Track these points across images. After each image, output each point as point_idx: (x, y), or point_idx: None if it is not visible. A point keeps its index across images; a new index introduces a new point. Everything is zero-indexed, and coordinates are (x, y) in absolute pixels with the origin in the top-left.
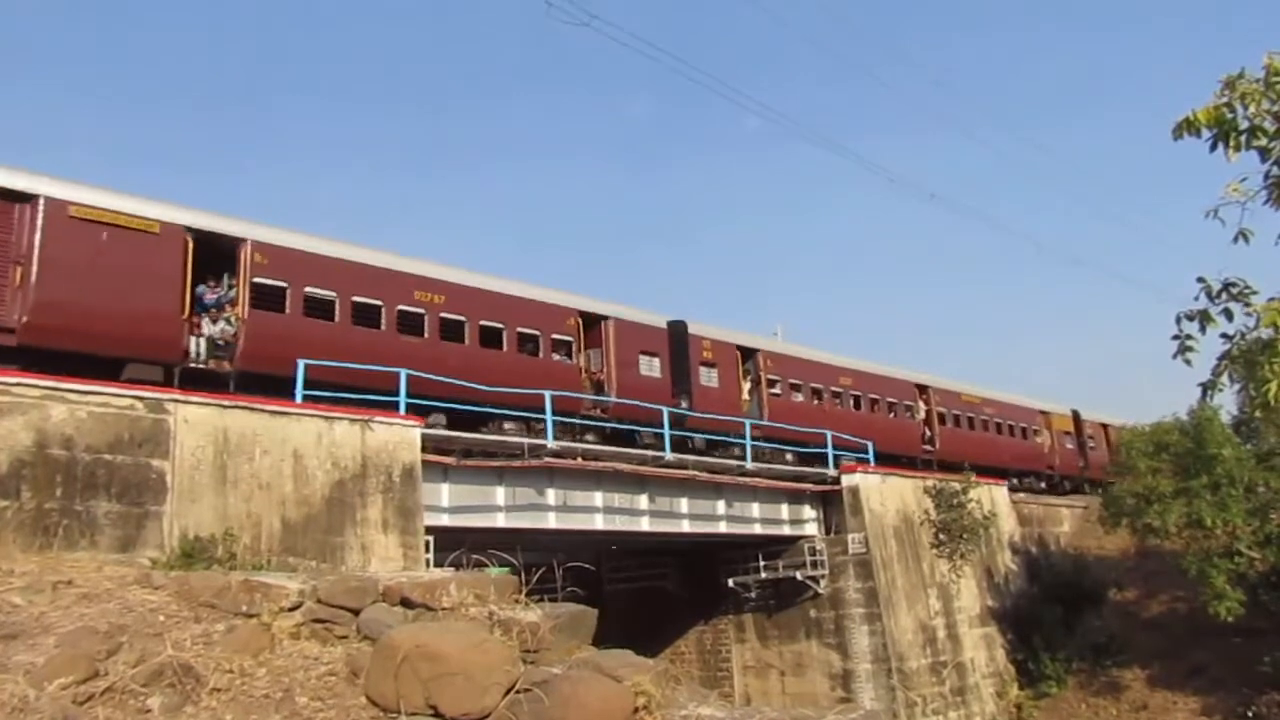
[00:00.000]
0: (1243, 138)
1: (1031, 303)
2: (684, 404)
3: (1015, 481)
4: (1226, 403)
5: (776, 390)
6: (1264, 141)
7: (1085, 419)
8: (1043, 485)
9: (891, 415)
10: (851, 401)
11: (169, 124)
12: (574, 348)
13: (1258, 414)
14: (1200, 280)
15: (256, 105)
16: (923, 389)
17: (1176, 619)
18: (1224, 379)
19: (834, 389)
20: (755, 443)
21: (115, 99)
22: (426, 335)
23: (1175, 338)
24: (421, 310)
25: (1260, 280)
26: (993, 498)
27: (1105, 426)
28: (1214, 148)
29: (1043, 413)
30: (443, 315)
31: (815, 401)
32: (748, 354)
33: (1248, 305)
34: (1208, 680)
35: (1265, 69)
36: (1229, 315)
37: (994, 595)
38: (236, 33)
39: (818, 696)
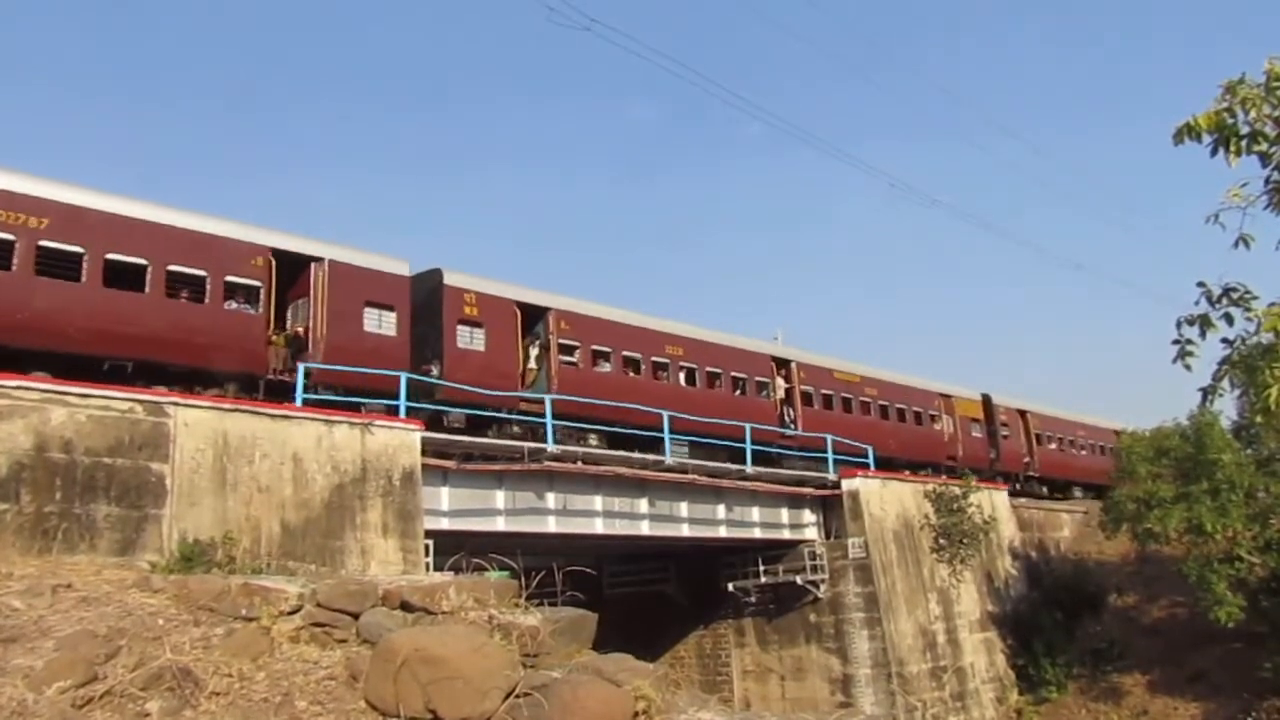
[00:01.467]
0: (1243, 143)
1: (1033, 307)
2: (434, 371)
3: (908, 473)
4: (1227, 408)
5: (573, 359)
6: (1265, 147)
7: (999, 405)
8: (942, 478)
9: (738, 393)
10: (682, 375)
11: (169, 126)
12: (262, 295)
13: (1258, 419)
14: (1201, 285)
15: (258, 108)
16: (783, 363)
17: (1177, 624)
18: (1224, 384)
19: (657, 359)
20: (527, 418)
21: (115, 101)
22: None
23: (1175, 342)
24: None
25: (1261, 285)
26: (993, 502)
27: (1023, 414)
28: (1215, 153)
29: (944, 396)
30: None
31: (630, 374)
32: (535, 314)
33: (1248, 310)
34: (1208, 686)
35: (1266, 74)
36: (1229, 320)
37: (994, 600)
38: (238, 37)
39: (818, 701)
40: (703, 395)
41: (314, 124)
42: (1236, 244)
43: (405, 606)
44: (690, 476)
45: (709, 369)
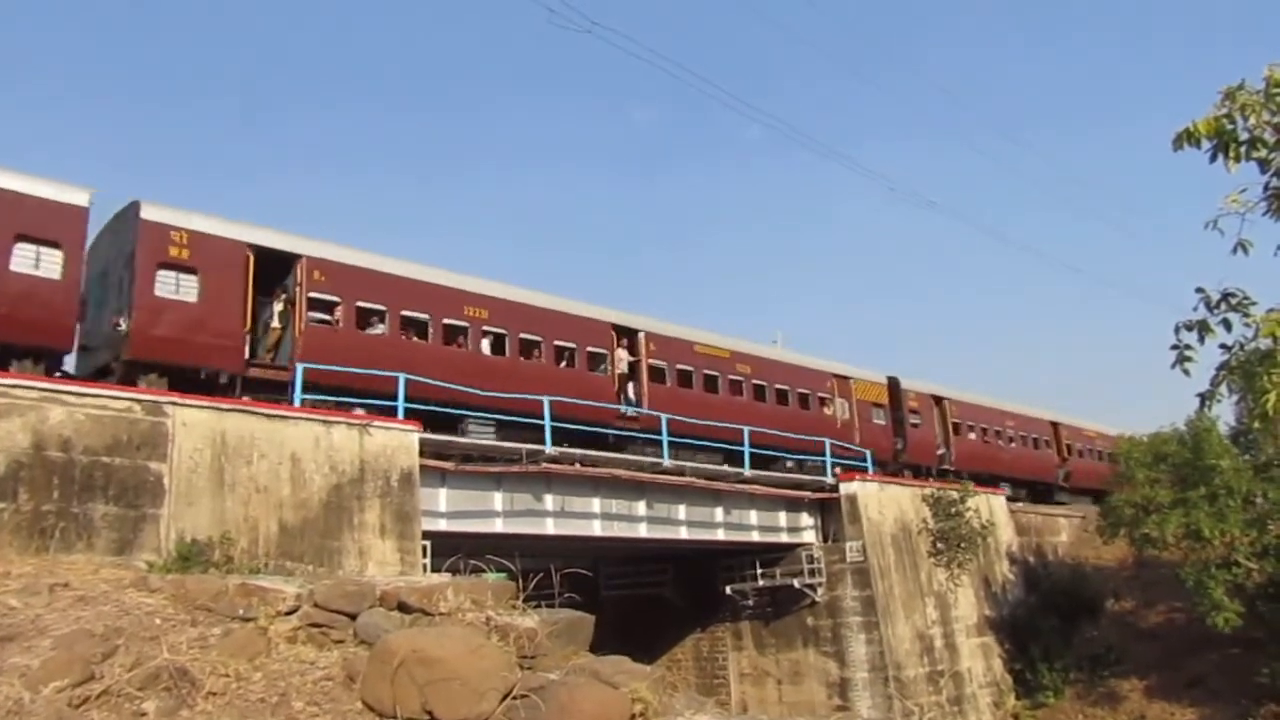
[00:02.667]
0: (1243, 149)
1: (1031, 310)
2: (122, 325)
3: (791, 463)
4: (1224, 413)
5: (330, 317)
6: (1264, 153)
7: (908, 389)
8: (836, 470)
9: (563, 365)
10: (487, 343)
11: (169, 129)
12: None
13: (1256, 425)
14: (1199, 291)
15: (260, 107)
16: (625, 333)
17: (1174, 629)
18: (1222, 389)
19: (452, 322)
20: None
21: (114, 104)
22: None
23: (1174, 348)
24: None
25: (1259, 291)
26: (990, 506)
27: (939, 400)
28: (1214, 159)
29: (839, 377)
30: None
31: (414, 338)
32: (280, 262)
33: (1247, 316)
34: (1205, 691)
35: (1265, 80)
36: (1228, 326)
37: (991, 604)
38: (239, 39)
39: (815, 705)
40: (512, 366)
41: (315, 123)
42: (1235, 249)
43: (403, 607)
44: (688, 479)
45: (524, 336)
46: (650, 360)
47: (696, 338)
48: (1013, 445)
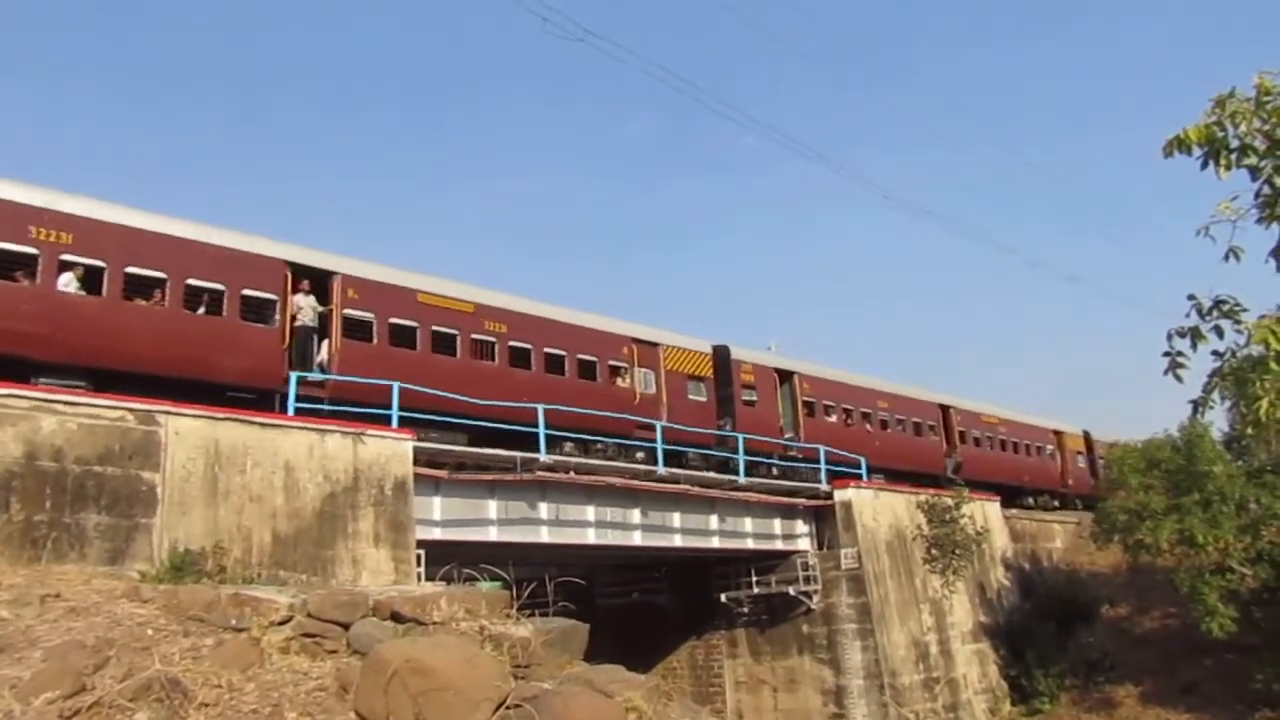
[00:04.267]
0: (1233, 156)
1: (1025, 317)
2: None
3: (570, 445)
4: (1218, 420)
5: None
6: (1254, 160)
7: (742, 360)
8: (639, 455)
9: (200, 310)
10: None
11: (168, 132)
12: None
13: (1249, 431)
14: (1191, 298)
15: (260, 116)
16: (311, 274)
17: (1169, 635)
18: (1214, 396)
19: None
20: None
21: (113, 107)
22: None
23: (1166, 354)
24: None
25: (1251, 298)
26: (985, 513)
27: (785, 375)
28: (1205, 166)
29: (641, 343)
30: None
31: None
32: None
33: (1238, 323)
34: (1200, 697)
35: (1256, 88)
36: (1220, 332)
37: (987, 611)
38: (239, 43)
39: (810, 712)
40: (106, 307)
41: (317, 132)
42: (1227, 257)
43: (396, 617)
44: (683, 487)
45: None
46: (349, 310)
47: (421, 284)
48: (886, 430)
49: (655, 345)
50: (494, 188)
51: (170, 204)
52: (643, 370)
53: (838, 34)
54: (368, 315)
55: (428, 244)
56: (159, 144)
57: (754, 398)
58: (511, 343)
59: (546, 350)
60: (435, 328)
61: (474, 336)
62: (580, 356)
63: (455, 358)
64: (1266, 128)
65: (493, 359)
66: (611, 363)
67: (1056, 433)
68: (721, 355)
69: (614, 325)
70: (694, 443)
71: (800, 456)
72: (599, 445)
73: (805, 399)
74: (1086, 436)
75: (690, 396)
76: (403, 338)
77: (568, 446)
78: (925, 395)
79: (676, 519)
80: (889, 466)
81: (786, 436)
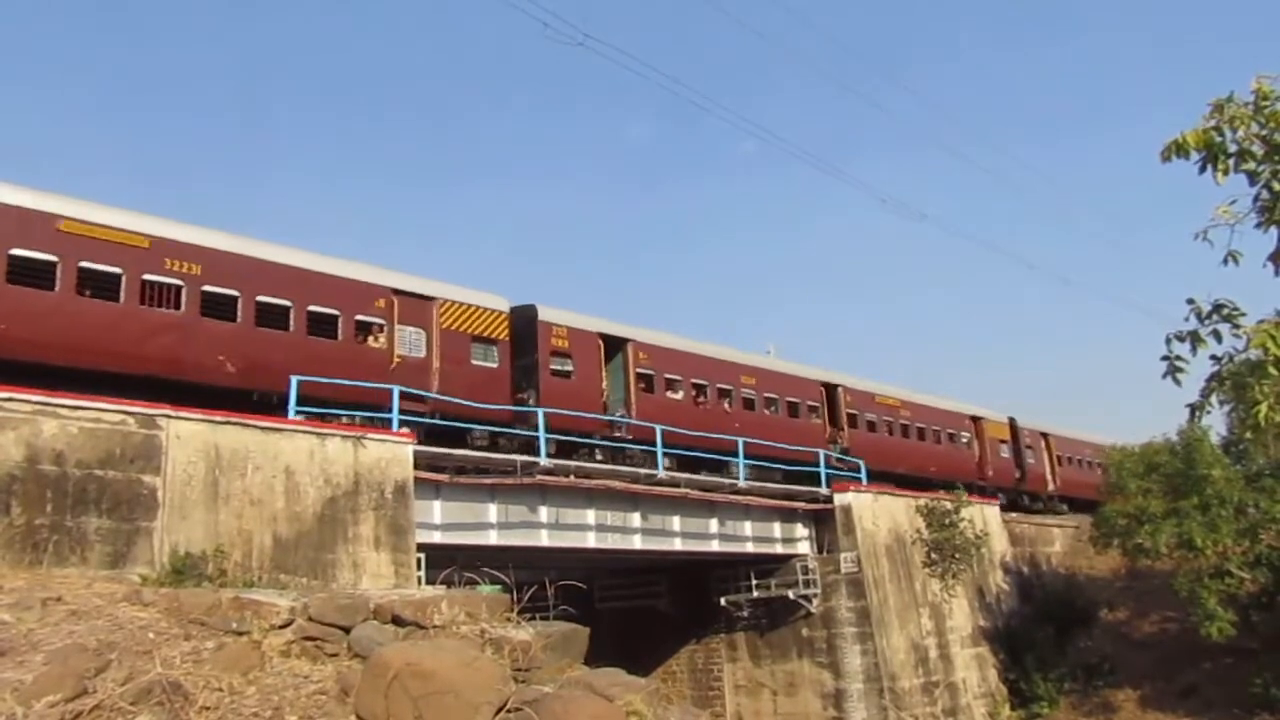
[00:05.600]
0: (1231, 161)
1: (1023, 320)
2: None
3: (344, 412)
4: (1216, 424)
5: None
6: (1252, 165)
7: (552, 322)
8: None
9: None
10: None
11: (169, 135)
12: None
13: (1247, 435)
14: (1190, 302)
15: (261, 118)
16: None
17: (1168, 639)
18: (1213, 400)
19: None
20: None
21: (113, 109)
22: None
23: (1165, 358)
24: None
25: (1249, 302)
26: (984, 517)
27: (614, 341)
28: (1203, 170)
29: (406, 295)
30: None
31: None
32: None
33: (1237, 327)
34: (1199, 701)
35: (1254, 93)
36: (1218, 337)
37: (986, 615)
38: (239, 47)
39: (810, 716)
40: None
41: (314, 134)
42: (1225, 260)
43: (397, 620)
44: (683, 490)
45: None
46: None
47: (64, 208)
48: (752, 411)
49: (428, 300)
50: (494, 189)
51: (171, 205)
52: (409, 329)
53: (836, 38)
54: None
55: (428, 245)
56: (159, 145)
57: (568, 367)
58: (206, 287)
59: (261, 299)
60: (87, 264)
61: (148, 278)
62: (314, 308)
63: (118, 304)
64: (1264, 133)
65: (176, 307)
66: (360, 318)
67: (974, 419)
68: (523, 317)
69: (366, 272)
70: (474, 418)
71: (631, 438)
72: (343, 419)
73: (641, 371)
74: (1012, 424)
75: (475, 363)
76: (29, 273)
77: (320, 420)
78: (805, 372)
79: (676, 522)
80: (755, 453)
81: (617, 414)
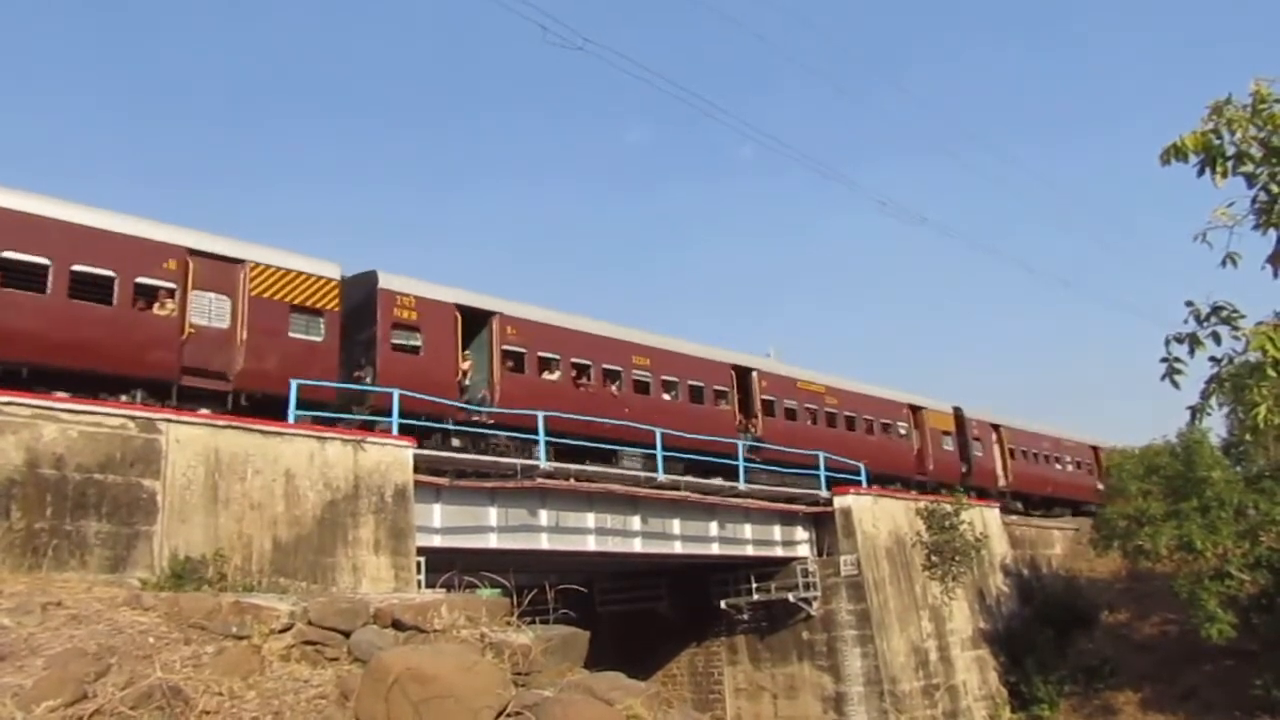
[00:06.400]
0: (1229, 164)
1: (1023, 323)
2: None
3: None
4: (1216, 426)
5: None
6: (1250, 168)
7: (403, 293)
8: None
9: None
10: None
11: (169, 138)
12: None
13: (1247, 437)
14: (1189, 304)
15: (262, 121)
16: None
17: (1168, 641)
18: (1212, 402)
19: None
20: None
21: (115, 112)
22: None
23: (1164, 360)
24: None
25: (1248, 304)
26: (984, 519)
27: (486, 318)
28: (1201, 173)
29: (205, 256)
30: None
31: None
32: None
33: (1236, 329)
34: (1200, 703)
35: (1252, 96)
36: (1217, 339)
37: (986, 617)
38: (241, 52)
39: (810, 719)
40: None
41: (316, 137)
42: (1224, 262)
43: (397, 625)
44: (682, 493)
45: None
46: None
47: None
48: (646, 395)
49: (234, 263)
50: (493, 193)
51: (171, 207)
52: (208, 295)
53: (835, 41)
54: None
55: (429, 247)
56: (160, 148)
57: (415, 342)
58: None
59: (6, 256)
60: None
61: None
62: (80, 268)
63: None
64: (1262, 135)
65: None
66: (142, 280)
67: (913, 408)
68: (360, 285)
69: (152, 229)
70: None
71: (492, 423)
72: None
73: (509, 348)
74: (957, 414)
75: (294, 335)
76: None
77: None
78: (712, 354)
79: (676, 525)
80: (650, 442)
81: (478, 398)
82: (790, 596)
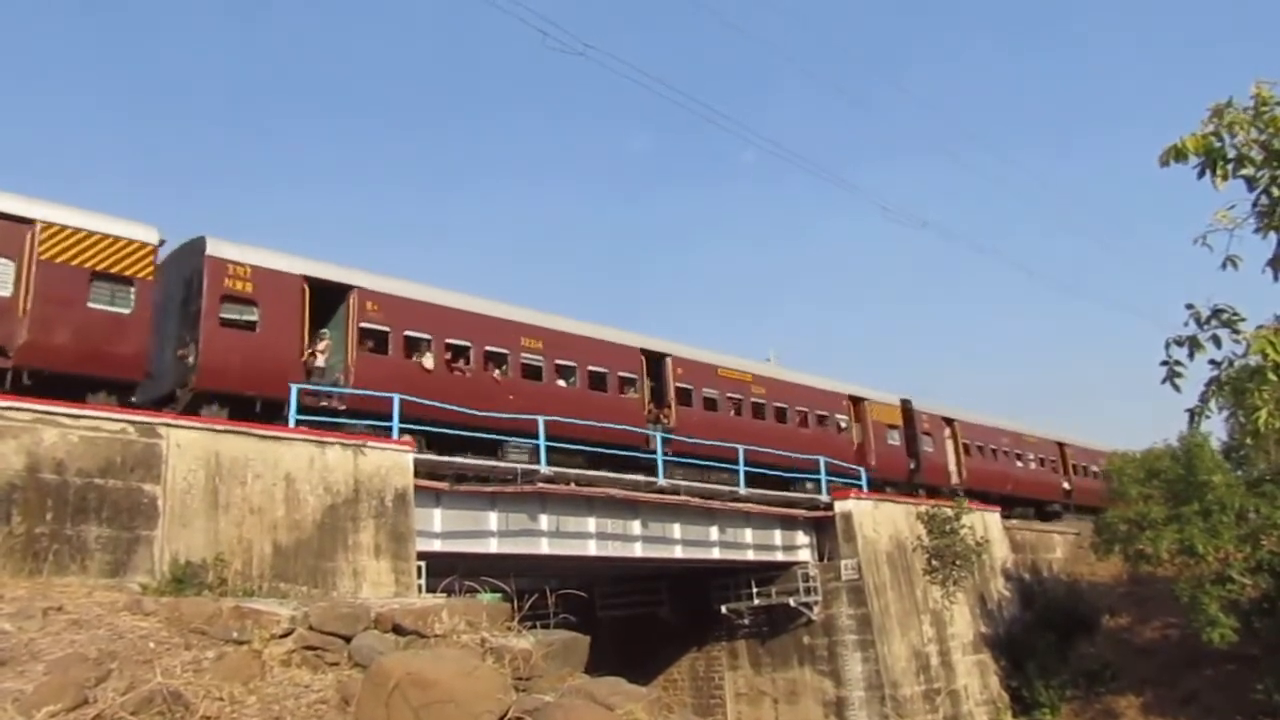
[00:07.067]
0: (1230, 166)
1: (1023, 326)
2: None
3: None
4: (1217, 429)
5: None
6: (1251, 171)
7: (236, 262)
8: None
9: None
10: None
11: (171, 142)
12: None
13: (1248, 441)
14: (1189, 307)
15: (264, 124)
16: None
17: (1170, 645)
18: (1212, 405)
19: None
20: None
21: (117, 115)
22: None
23: (1164, 363)
24: None
25: (1248, 307)
26: (985, 523)
27: (344, 293)
28: (1201, 175)
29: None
30: None
31: None
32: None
33: (1236, 332)
34: (1201, 707)
35: (1253, 98)
36: (1217, 342)
37: (987, 622)
38: (243, 53)
39: None
40: None
41: (321, 142)
42: (1224, 265)
43: (397, 629)
44: (683, 498)
45: None
46: None
47: None
48: (537, 381)
49: (22, 221)
50: (495, 197)
51: (172, 211)
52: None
53: (836, 45)
54: None
55: (430, 250)
56: (161, 150)
57: (251, 317)
58: None
59: None
60: None
61: None
62: None
63: None
64: (1263, 138)
65: None
66: None
67: (854, 399)
68: (186, 251)
69: None
70: (94, 375)
71: (345, 408)
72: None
73: (369, 326)
74: (905, 406)
75: (95, 305)
76: None
77: None
78: (617, 337)
79: (677, 530)
80: (558, 433)
81: (333, 381)
82: (791, 601)
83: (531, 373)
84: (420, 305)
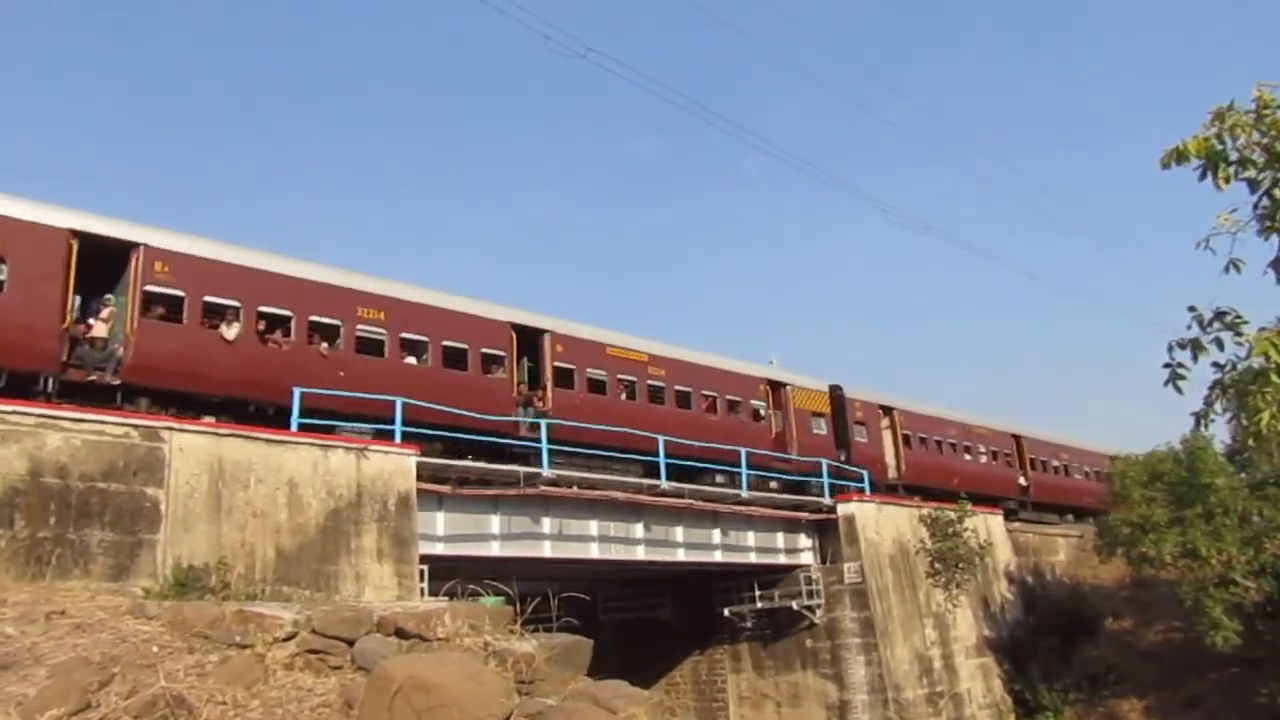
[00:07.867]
0: (1232, 169)
1: (1025, 329)
2: None
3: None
4: (1220, 432)
5: None
6: (1253, 173)
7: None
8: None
9: None
10: None
11: (173, 145)
12: None
13: (1250, 443)
14: (1192, 309)
15: (266, 128)
16: None
17: (1173, 649)
18: (1215, 408)
19: None
20: None
21: (120, 119)
22: None
23: (1167, 366)
24: None
25: (1251, 310)
26: (988, 526)
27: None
28: (1203, 178)
29: None
30: None
31: None
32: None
33: (1239, 335)
34: (1204, 711)
35: (1255, 101)
36: (1220, 344)
37: (990, 625)
38: (246, 58)
39: None
40: None
41: (323, 146)
42: (1227, 268)
43: (400, 633)
44: (686, 501)
45: None
46: None
47: None
48: (374, 359)
49: None
50: (497, 200)
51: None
52: None
53: (838, 49)
54: None
55: (431, 253)
56: (162, 154)
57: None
58: None
59: None
60: None
61: None
62: None
63: None
64: (1265, 141)
65: None
66: None
67: (773, 384)
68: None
69: None
70: None
71: (120, 382)
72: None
73: (159, 291)
74: (834, 393)
75: None
76: None
77: None
78: (481, 310)
79: (679, 533)
80: (384, 414)
81: (112, 352)
82: (794, 604)
83: (370, 347)
84: (226, 268)
